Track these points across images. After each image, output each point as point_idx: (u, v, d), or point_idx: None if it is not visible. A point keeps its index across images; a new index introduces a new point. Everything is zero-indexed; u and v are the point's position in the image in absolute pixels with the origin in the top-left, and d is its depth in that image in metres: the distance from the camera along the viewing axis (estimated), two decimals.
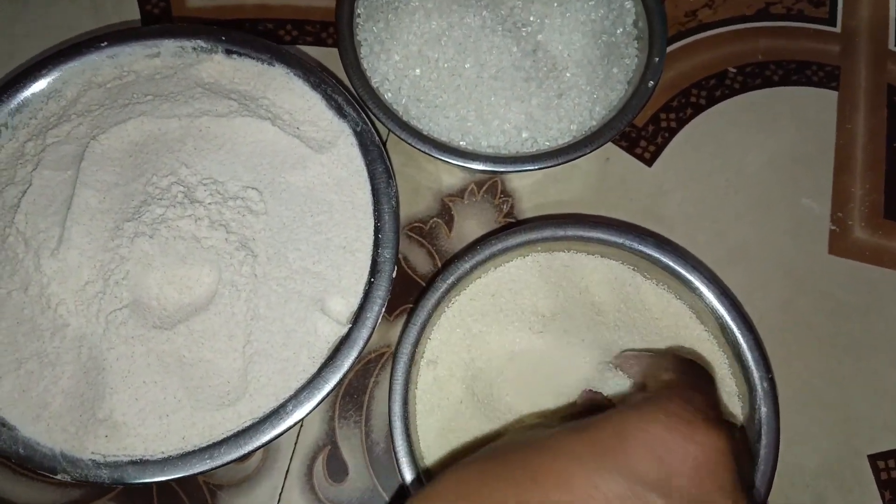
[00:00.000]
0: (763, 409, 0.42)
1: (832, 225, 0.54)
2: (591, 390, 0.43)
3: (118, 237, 0.41)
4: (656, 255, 0.45)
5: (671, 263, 0.45)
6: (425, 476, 0.42)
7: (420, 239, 0.53)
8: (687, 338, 0.45)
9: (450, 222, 0.53)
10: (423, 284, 0.51)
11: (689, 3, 0.60)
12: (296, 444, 0.48)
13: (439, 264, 0.52)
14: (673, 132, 0.56)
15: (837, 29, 0.60)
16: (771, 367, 0.43)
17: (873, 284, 0.52)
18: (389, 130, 0.47)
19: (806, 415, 0.49)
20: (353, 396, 0.49)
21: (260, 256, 0.42)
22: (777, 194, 0.54)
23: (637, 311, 0.45)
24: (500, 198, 0.54)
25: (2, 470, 0.47)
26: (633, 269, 0.47)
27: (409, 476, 0.41)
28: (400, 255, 0.52)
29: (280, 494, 0.47)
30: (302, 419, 0.40)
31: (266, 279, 0.42)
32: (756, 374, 0.43)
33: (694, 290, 0.45)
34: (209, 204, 0.42)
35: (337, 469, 0.48)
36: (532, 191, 0.54)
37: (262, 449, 0.46)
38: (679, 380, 0.38)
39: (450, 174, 0.54)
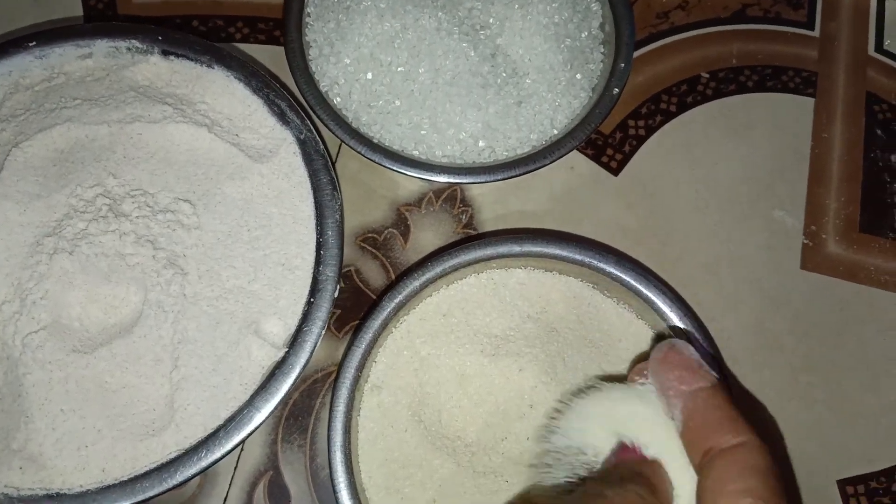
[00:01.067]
0: None
1: (805, 239, 0.52)
2: (630, 447, 0.36)
3: (37, 253, 0.38)
4: (616, 272, 0.43)
5: (632, 281, 0.43)
6: None
7: (373, 250, 0.50)
8: (647, 357, 0.43)
9: (406, 233, 0.51)
10: (375, 299, 0.49)
11: (661, 4, 0.57)
12: (235, 469, 0.45)
13: (393, 277, 0.49)
14: (641, 140, 0.53)
15: (816, 33, 0.57)
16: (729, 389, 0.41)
17: (847, 302, 0.50)
18: (339, 139, 0.45)
19: (776, 439, 0.47)
20: (297, 418, 0.46)
21: (190, 275, 0.39)
22: (749, 206, 0.52)
23: (597, 331, 0.43)
24: (459, 207, 0.51)
25: None
26: (594, 287, 0.44)
27: None
28: (352, 268, 0.49)
29: None
30: (230, 451, 0.38)
31: (196, 299, 0.39)
32: None
33: (656, 310, 0.42)
34: (136, 218, 0.39)
35: (279, 496, 0.45)
36: (493, 200, 0.51)
37: (198, 475, 0.44)
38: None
39: (407, 181, 0.51)
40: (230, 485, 0.45)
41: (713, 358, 0.41)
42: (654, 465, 0.35)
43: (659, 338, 0.43)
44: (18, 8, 0.55)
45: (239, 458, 0.46)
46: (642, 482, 0.33)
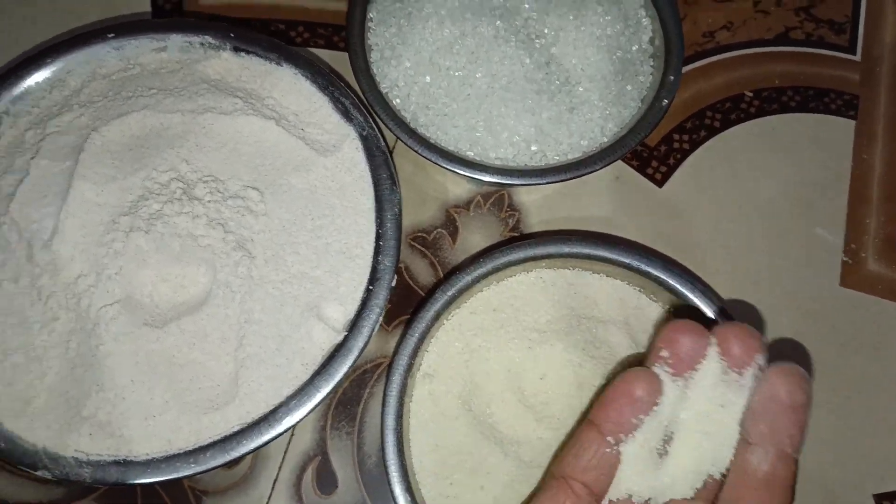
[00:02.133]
0: None
1: (845, 256, 0.53)
2: None
3: (113, 231, 0.40)
4: (663, 276, 0.44)
5: (678, 286, 0.44)
6: (417, 492, 0.40)
7: (423, 249, 0.52)
8: None
9: (454, 234, 0.52)
10: (424, 295, 0.50)
11: (707, 23, 0.59)
12: (286, 452, 0.47)
13: (441, 275, 0.51)
14: (686, 153, 0.55)
15: (858, 57, 0.59)
16: None
17: (885, 319, 0.51)
18: (397, 137, 0.46)
19: (812, 451, 0.47)
20: (346, 407, 0.48)
21: (257, 258, 0.41)
22: (790, 222, 0.53)
23: (642, 332, 0.44)
24: (506, 211, 0.53)
25: None
26: (639, 291, 0.45)
27: (399, 491, 0.40)
28: (401, 265, 0.51)
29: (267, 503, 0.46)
30: (291, 427, 0.39)
31: (262, 282, 0.41)
32: None
33: (701, 315, 0.43)
34: (208, 202, 0.41)
35: (327, 481, 0.46)
36: (539, 206, 0.53)
37: (250, 456, 0.45)
38: None
39: (457, 185, 0.53)
40: (280, 468, 0.47)
41: None
42: None
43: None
44: (89, 5, 0.58)
45: (290, 442, 0.47)
46: None
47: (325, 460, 0.47)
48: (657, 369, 0.37)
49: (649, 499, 0.36)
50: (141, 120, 0.43)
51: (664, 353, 0.37)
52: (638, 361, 0.40)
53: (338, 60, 0.56)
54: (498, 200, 0.53)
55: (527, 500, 0.40)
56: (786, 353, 0.50)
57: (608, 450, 0.36)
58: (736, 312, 0.46)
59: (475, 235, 0.52)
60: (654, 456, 0.36)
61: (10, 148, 0.44)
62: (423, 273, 0.51)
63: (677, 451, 0.37)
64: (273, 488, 0.46)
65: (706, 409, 0.36)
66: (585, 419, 0.37)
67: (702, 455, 0.36)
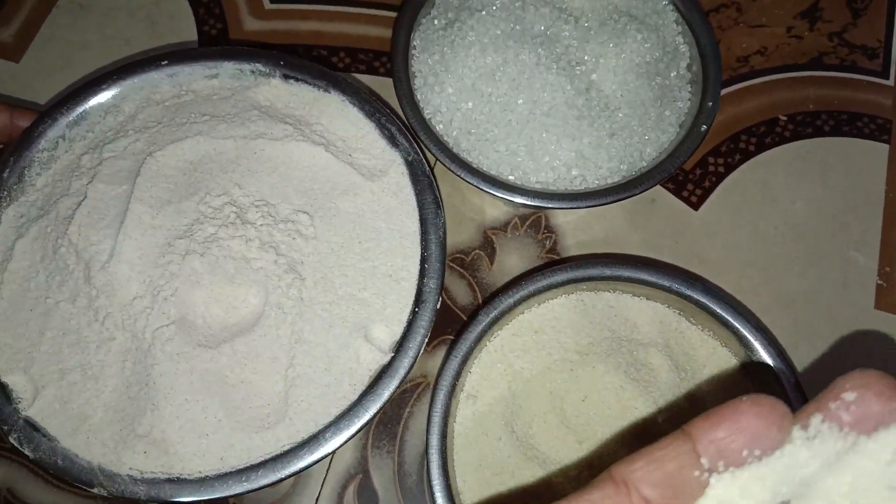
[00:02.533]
0: None
1: (879, 280, 0.53)
2: None
3: (169, 254, 0.41)
4: (704, 300, 0.45)
5: (718, 310, 0.44)
6: None
7: (461, 270, 0.53)
8: (731, 387, 0.44)
9: (492, 255, 0.53)
10: (462, 316, 0.51)
11: (741, 48, 0.60)
12: (327, 471, 0.48)
13: (479, 296, 0.52)
14: (721, 177, 0.56)
15: (891, 82, 0.59)
16: None
17: None
18: (438, 160, 0.47)
19: None
20: (387, 426, 0.49)
21: (307, 280, 0.42)
22: (825, 245, 0.54)
23: (682, 355, 0.45)
24: (543, 233, 0.54)
25: (35, 480, 0.47)
26: (679, 314, 0.46)
27: None
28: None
29: None
30: (340, 446, 0.40)
31: (312, 303, 0.42)
32: None
33: (741, 338, 0.44)
34: (260, 226, 0.42)
35: (368, 499, 0.47)
36: (576, 227, 0.54)
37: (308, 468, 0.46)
38: None
39: (494, 207, 0.54)
40: (322, 486, 0.47)
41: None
42: None
43: (742, 367, 0.45)
44: (134, 29, 0.60)
45: (331, 461, 0.48)
46: None
47: (367, 478, 0.48)
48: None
49: None
50: (195, 146, 0.44)
51: (844, 402, 0.27)
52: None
53: (378, 85, 0.57)
54: (535, 222, 0.54)
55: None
56: (813, 345, 0.50)
57: (696, 473, 0.27)
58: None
59: (512, 257, 0.53)
60: None
61: (66, 172, 0.45)
62: (461, 294, 0.52)
63: None
64: None
65: (868, 484, 0.26)
66: (679, 429, 0.29)
67: None
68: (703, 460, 0.27)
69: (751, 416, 0.27)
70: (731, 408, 0.27)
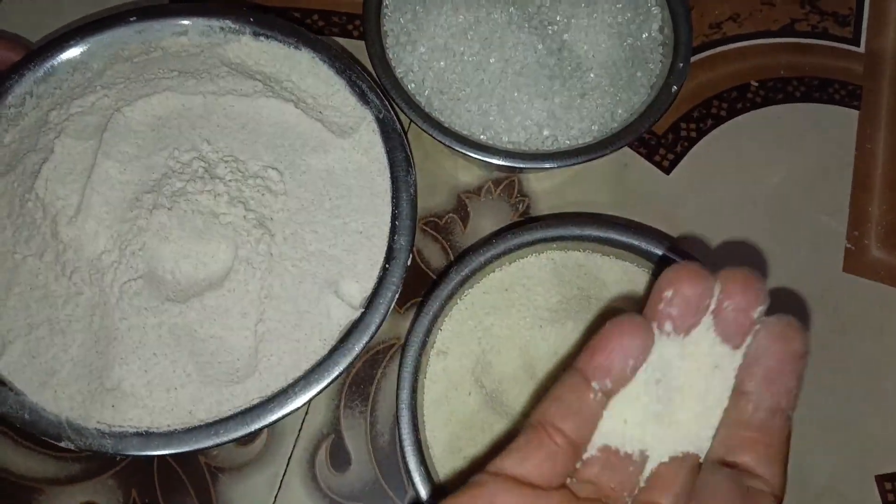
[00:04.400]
0: None
1: (848, 243, 0.54)
2: None
3: (137, 208, 0.41)
4: (673, 258, 0.45)
5: None
6: (431, 466, 0.41)
7: (434, 233, 0.53)
8: None
9: (465, 218, 0.53)
10: (435, 278, 0.51)
11: (714, 14, 0.60)
12: (300, 430, 0.48)
13: (452, 258, 0.52)
14: (692, 142, 0.56)
15: (861, 49, 0.60)
16: None
17: (887, 304, 0.52)
18: (411, 121, 0.47)
19: (814, 433, 0.48)
20: (359, 386, 0.49)
21: (277, 236, 0.42)
22: (794, 209, 0.54)
23: None
24: (516, 197, 0.54)
25: (2, 440, 0.47)
26: (649, 273, 0.46)
27: (414, 465, 0.41)
28: (414, 249, 0.52)
29: (281, 481, 0.47)
30: (310, 400, 0.40)
31: (282, 259, 0.42)
32: None
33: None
34: (229, 181, 0.42)
35: (340, 459, 0.47)
36: (549, 192, 0.54)
37: (265, 434, 0.46)
38: None
39: (467, 171, 0.54)
40: (294, 446, 0.47)
41: None
42: None
43: None
44: None
45: (304, 420, 0.48)
46: None
47: (339, 438, 0.48)
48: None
49: (634, 453, 0.34)
50: (163, 101, 0.44)
51: (665, 306, 0.33)
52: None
53: (352, 48, 0.57)
54: (508, 186, 0.54)
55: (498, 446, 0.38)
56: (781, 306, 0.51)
57: (592, 396, 0.33)
58: None
59: (486, 220, 0.53)
60: (647, 411, 0.34)
61: (34, 128, 0.45)
62: (434, 257, 0.52)
63: (669, 410, 0.34)
64: (287, 466, 0.47)
65: (699, 367, 0.33)
66: (570, 366, 0.34)
67: (693, 416, 0.34)
68: (594, 385, 0.33)
69: (616, 336, 0.33)
70: (600, 336, 0.33)
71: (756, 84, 0.58)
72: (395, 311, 0.50)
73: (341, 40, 0.57)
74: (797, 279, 0.52)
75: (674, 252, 0.45)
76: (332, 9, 0.59)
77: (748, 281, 0.33)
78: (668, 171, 0.55)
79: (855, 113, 0.58)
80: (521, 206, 0.53)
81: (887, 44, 0.60)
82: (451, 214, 0.53)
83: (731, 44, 0.59)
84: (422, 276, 0.51)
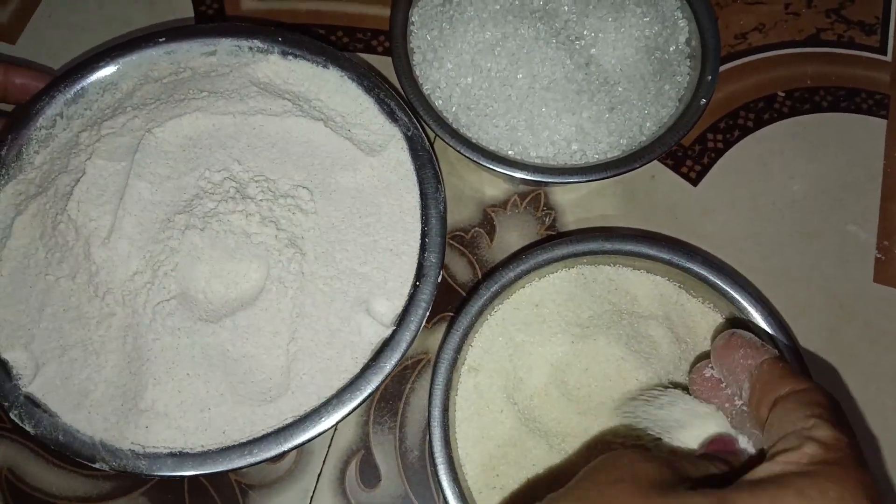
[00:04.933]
0: None
1: (878, 253, 0.53)
2: (725, 438, 0.37)
3: (169, 229, 0.41)
4: (703, 272, 0.45)
5: (718, 282, 0.44)
6: (463, 482, 0.41)
7: (461, 248, 0.53)
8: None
9: (491, 232, 0.53)
10: (463, 293, 0.51)
11: (739, 25, 0.60)
12: (329, 447, 0.48)
13: (479, 274, 0.52)
14: (720, 153, 0.56)
15: (888, 58, 0.59)
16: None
17: None
18: (437, 136, 0.47)
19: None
20: (388, 402, 0.49)
21: (308, 255, 0.42)
22: (823, 220, 0.54)
23: (682, 327, 0.45)
24: (542, 210, 0.53)
25: (36, 459, 0.47)
26: (679, 287, 0.46)
27: (446, 482, 0.41)
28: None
29: (311, 497, 0.47)
30: (342, 419, 0.40)
31: (313, 277, 0.42)
32: None
33: (741, 309, 0.44)
34: (260, 200, 0.42)
35: (370, 475, 0.47)
36: (575, 205, 0.54)
37: (295, 451, 0.46)
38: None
39: (493, 185, 0.54)
40: (324, 462, 0.47)
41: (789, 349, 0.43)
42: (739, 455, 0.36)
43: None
44: (133, 10, 0.59)
45: (333, 437, 0.48)
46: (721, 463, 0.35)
47: (369, 454, 0.48)
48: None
49: None
50: (194, 122, 0.44)
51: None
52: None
53: (377, 63, 0.57)
54: (534, 199, 0.54)
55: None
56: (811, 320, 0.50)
57: None
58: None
59: (512, 234, 0.53)
60: None
61: (64, 149, 0.45)
62: (461, 271, 0.52)
63: None
64: (318, 482, 0.47)
65: None
66: None
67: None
68: None
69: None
70: None
71: (783, 94, 0.58)
72: (424, 326, 0.50)
73: (366, 56, 0.58)
74: (827, 290, 0.52)
75: (706, 266, 0.44)
76: (356, 25, 0.59)
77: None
78: (695, 182, 0.55)
79: (882, 122, 0.57)
80: (547, 219, 0.53)
81: None
82: (477, 228, 0.53)
83: (757, 54, 0.59)
84: (449, 291, 0.51)
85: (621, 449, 0.37)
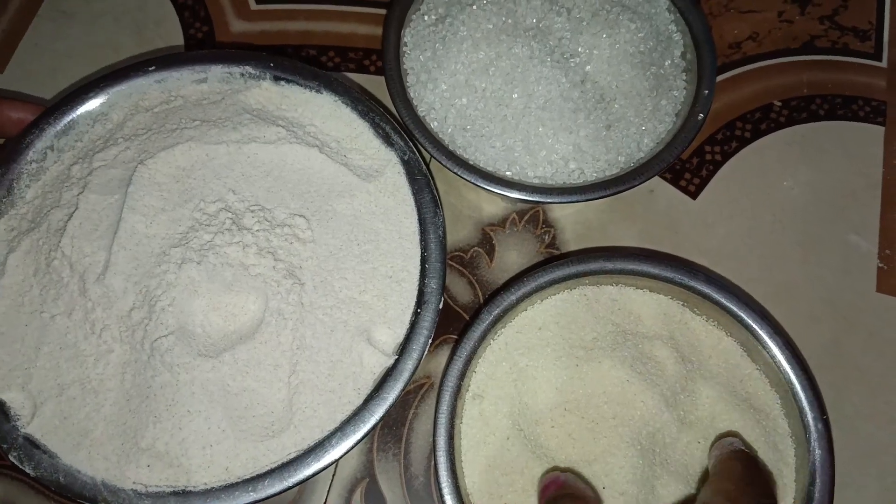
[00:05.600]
0: (817, 451, 0.41)
1: (880, 262, 0.53)
2: (731, 443, 0.41)
3: (165, 263, 0.40)
4: (707, 290, 0.44)
5: (722, 300, 0.44)
6: None
7: (460, 268, 0.52)
8: (738, 376, 0.44)
9: (491, 252, 0.52)
10: (464, 314, 0.51)
11: (733, 35, 0.60)
12: (333, 476, 0.47)
13: (480, 294, 0.51)
14: (718, 165, 0.55)
15: (883, 64, 0.59)
16: (825, 408, 0.42)
17: None
18: (433, 158, 0.47)
19: (855, 457, 0.48)
20: (392, 428, 0.48)
21: (307, 285, 0.41)
22: (824, 230, 0.54)
23: (687, 346, 0.44)
24: (541, 228, 0.53)
25: (36, 495, 0.47)
26: (683, 305, 0.46)
27: None
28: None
29: None
30: (346, 452, 0.39)
31: (312, 308, 0.41)
32: (810, 415, 0.42)
33: (746, 327, 0.44)
34: (257, 231, 0.41)
35: (375, 502, 0.47)
36: (574, 221, 0.53)
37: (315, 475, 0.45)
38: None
39: (491, 203, 0.53)
40: (328, 492, 0.47)
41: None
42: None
43: (749, 355, 0.44)
44: (120, 36, 0.59)
45: (336, 465, 0.47)
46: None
47: (373, 482, 0.47)
48: None
49: None
50: (186, 152, 0.43)
51: None
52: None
53: (369, 83, 0.57)
54: (533, 217, 0.53)
55: None
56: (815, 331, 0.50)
57: None
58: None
59: (511, 253, 0.53)
60: None
61: (56, 183, 0.44)
62: (461, 292, 0.51)
63: None
64: None
65: None
66: None
67: None
68: None
69: None
70: None
71: (779, 104, 0.57)
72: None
73: (358, 76, 0.57)
74: (830, 301, 0.51)
75: (710, 285, 0.44)
76: (348, 44, 0.58)
77: None
78: (694, 195, 0.54)
79: (880, 129, 0.57)
80: (546, 236, 0.53)
81: None
82: (476, 248, 0.53)
83: (751, 63, 0.59)
84: (449, 312, 0.51)
85: None
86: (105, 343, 0.40)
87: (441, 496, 0.40)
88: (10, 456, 0.39)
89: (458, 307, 0.51)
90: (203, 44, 0.58)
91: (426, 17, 0.52)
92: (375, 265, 0.43)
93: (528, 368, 0.44)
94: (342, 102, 0.47)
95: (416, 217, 0.45)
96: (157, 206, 0.42)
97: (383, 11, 0.58)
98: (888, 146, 0.56)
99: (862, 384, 0.49)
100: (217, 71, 0.47)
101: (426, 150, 0.47)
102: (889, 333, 0.51)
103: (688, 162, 0.55)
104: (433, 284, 0.43)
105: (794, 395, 0.42)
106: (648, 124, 0.49)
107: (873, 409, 0.49)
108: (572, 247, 0.53)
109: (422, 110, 0.49)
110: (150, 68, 0.47)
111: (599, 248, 0.52)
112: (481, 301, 0.51)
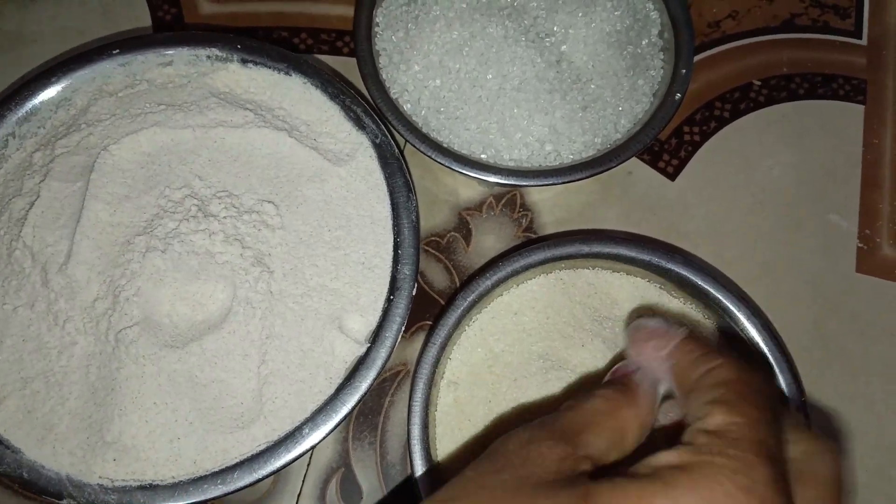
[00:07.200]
0: None
1: (860, 242, 0.52)
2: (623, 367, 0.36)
3: (129, 252, 0.39)
4: (684, 273, 0.44)
5: (699, 282, 0.43)
6: None
7: (437, 253, 0.51)
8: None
9: (468, 236, 0.52)
10: (440, 300, 0.50)
11: (712, 13, 0.59)
12: (308, 466, 0.46)
13: (457, 280, 0.50)
14: (696, 146, 0.54)
15: (863, 41, 0.58)
16: (804, 389, 0.42)
17: None
18: (407, 142, 0.46)
19: (834, 438, 0.47)
20: (367, 417, 0.47)
21: (276, 272, 0.40)
22: (804, 210, 0.53)
23: None
24: (519, 211, 0.52)
25: (3, 492, 0.46)
26: (660, 288, 0.45)
27: None
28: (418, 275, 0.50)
29: None
30: (318, 443, 0.39)
31: (282, 296, 0.40)
32: (788, 397, 0.42)
33: (724, 309, 0.43)
34: (224, 218, 0.40)
35: (351, 492, 0.46)
36: (552, 204, 0.52)
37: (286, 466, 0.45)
38: (731, 443, 0.28)
39: (467, 187, 0.53)
40: (303, 482, 0.46)
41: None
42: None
43: (725, 337, 0.44)
44: (87, 18, 0.57)
45: (311, 455, 0.46)
46: (613, 388, 0.34)
47: (349, 472, 0.46)
48: None
49: None
50: (151, 137, 0.42)
51: None
52: None
53: (342, 65, 0.55)
54: (510, 201, 0.52)
55: None
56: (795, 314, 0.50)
57: None
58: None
59: (489, 237, 0.52)
60: None
61: (18, 171, 0.43)
62: (438, 278, 0.51)
63: None
64: (297, 503, 0.46)
65: None
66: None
67: None
68: None
69: None
70: None
71: (759, 83, 0.57)
72: (401, 336, 0.49)
73: (331, 58, 0.56)
74: (811, 282, 0.51)
75: (687, 267, 0.43)
76: (320, 26, 0.57)
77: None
78: (672, 177, 0.54)
79: (860, 108, 0.56)
80: (524, 220, 0.52)
81: (889, 34, 0.59)
82: (452, 233, 0.52)
83: (731, 42, 0.58)
84: (426, 298, 0.50)
85: (523, 427, 0.34)
86: (69, 335, 0.39)
87: (417, 486, 0.40)
88: None
89: (435, 293, 0.50)
90: (171, 26, 0.56)
91: None
92: (347, 251, 0.42)
93: (504, 354, 0.43)
94: (312, 85, 0.46)
95: (389, 202, 0.44)
96: (121, 194, 0.41)
97: None
98: (868, 125, 0.56)
99: (844, 364, 0.49)
100: (183, 53, 0.46)
101: (399, 132, 0.46)
102: (869, 314, 0.50)
103: (666, 143, 0.54)
104: (406, 270, 0.42)
105: (773, 376, 0.42)
106: (625, 105, 0.48)
107: (853, 390, 0.49)
108: (550, 230, 0.52)
109: (395, 92, 0.48)
110: (115, 51, 0.46)
111: (576, 231, 0.51)
112: (458, 287, 0.50)
